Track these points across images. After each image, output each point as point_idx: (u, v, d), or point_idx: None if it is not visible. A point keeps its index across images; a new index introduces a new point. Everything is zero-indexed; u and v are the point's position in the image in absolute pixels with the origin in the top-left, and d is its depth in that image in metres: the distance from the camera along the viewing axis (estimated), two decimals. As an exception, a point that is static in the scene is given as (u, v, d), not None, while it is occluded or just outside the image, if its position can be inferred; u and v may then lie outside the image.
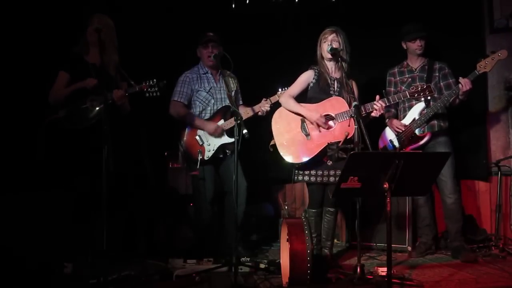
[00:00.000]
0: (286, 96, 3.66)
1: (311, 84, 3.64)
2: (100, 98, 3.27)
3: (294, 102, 3.60)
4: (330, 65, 3.62)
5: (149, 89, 3.39)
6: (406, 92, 3.46)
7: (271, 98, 3.92)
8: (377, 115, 3.45)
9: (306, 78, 3.65)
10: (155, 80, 3.39)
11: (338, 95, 3.57)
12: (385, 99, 3.42)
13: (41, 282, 3.19)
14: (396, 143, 3.95)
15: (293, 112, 3.60)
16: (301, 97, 3.67)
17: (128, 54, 3.73)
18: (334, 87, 3.60)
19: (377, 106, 3.38)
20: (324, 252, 3.65)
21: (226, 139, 3.88)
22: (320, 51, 3.61)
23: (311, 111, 3.53)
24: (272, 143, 3.64)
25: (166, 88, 3.57)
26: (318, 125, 3.50)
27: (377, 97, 3.41)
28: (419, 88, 3.39)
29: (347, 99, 3.52)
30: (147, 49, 4.24)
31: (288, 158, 3.54)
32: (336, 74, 3.63)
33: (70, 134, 3.32)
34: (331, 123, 3.53)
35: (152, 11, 4.35)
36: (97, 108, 3.33)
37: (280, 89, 3.92)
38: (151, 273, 3.29)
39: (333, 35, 3.54)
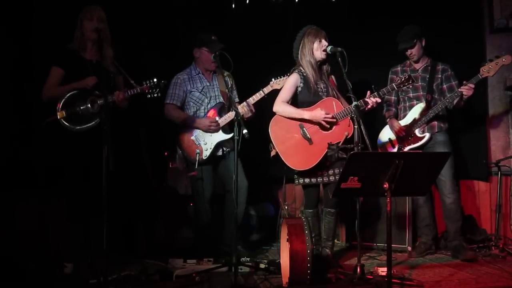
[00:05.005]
0: (280, 103, 3.56)
1: (299, 89, 3.60)
2: (100, 99, 3.25)
3: (293, 108, 3.54)
4: (318, 66, 3.60)
5: (150, 90, 3.35)
6: (393, 84, 3.49)
7: (264, 89, 3.83)
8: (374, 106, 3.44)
9: (294, 82, 3.59)
10: (155, 80, 3.34)
11: (327, 95, 3.57)
12: (376, 93, 3.43)
13: (41, 282, 3.19)
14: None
15: (294, 119, 3.53)
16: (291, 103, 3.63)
17: (127, 54, 3.74)
18: (322, 88, 3.60)
19: (371, 101, 3.39)
20: (326, 252, 3.64)
21: (222, 136, 3.86)
22: (310, 51, 3.54)
23: (314, 111, 3.48)
24: (273, 153, 3.55)
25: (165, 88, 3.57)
26: (327, 123, 3.46)
27: (368, 93, 3.42)
28: (403, 79, 3.45)
29: (335, 97, 3.55)
30: (145, 49, 4.24)
31: (294, 166, 3.48)
32: (320, 75, 3.62)
33: (69, 134, 3.30)
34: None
35: (151, 10, 4.35)
36: (98, 110, 3.29)
37: (273, 79, 3.83)
38: (151, 273, 3.29)
39: (325, 36, 3.54)
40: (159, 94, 3.38)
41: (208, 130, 3.83)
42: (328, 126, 3.50)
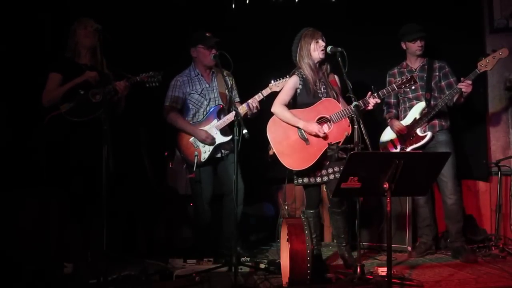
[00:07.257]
0: (279, 106, 3.55)
1: (298, 90, 3.59)
2: (100, 91, 3.28)
3: (290, 114, 3.52)
4: (317, 66, 3.59)
5: (149, 79, 3.49)
6: (394, 85, 3.48)
7: (263, 91, 3.81)
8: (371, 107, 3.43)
9: (294, 84, 3.59)
10: (151, 72, 3.50)
11: (326, 97, 3.56)
12: (376, 94, 3.42)
13: (41, 282, 3.19)
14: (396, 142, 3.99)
15: (290, 125, 3.53)
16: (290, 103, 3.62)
17: (126, 54, 3.74)
18: (321, 89, 3.59)
19: (371, 102, 3.38)
20: (341, 251, 3.62)
21: (222, 139, 3.84)
22: (308, 52, 3.54)
23: (309, 123, 3.46)
24: (270, 153, 3.55)
25: (162, 85, 3.64)
26: (317, 137, 3.45)
27: (369, 93, 3.41)
28: (405, 80, 3.44)
29: (334, 97, 3.54)
30: (145, 50, 4.23)
31: (291, 166, 3.47)
32: (319, 75, 3.62)
33: (73, 127, 3.32)
34: (325, 127, 3.49)
35: (150, 10, 4.34)
36: (100, 100, 3.32)
37: (272, 81, 3.81)
38: (151, 273, 3.29)
39: (322, 37, 3.53)
40: (157, 84, 3.53)
41: (204, 141, 3.82)
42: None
